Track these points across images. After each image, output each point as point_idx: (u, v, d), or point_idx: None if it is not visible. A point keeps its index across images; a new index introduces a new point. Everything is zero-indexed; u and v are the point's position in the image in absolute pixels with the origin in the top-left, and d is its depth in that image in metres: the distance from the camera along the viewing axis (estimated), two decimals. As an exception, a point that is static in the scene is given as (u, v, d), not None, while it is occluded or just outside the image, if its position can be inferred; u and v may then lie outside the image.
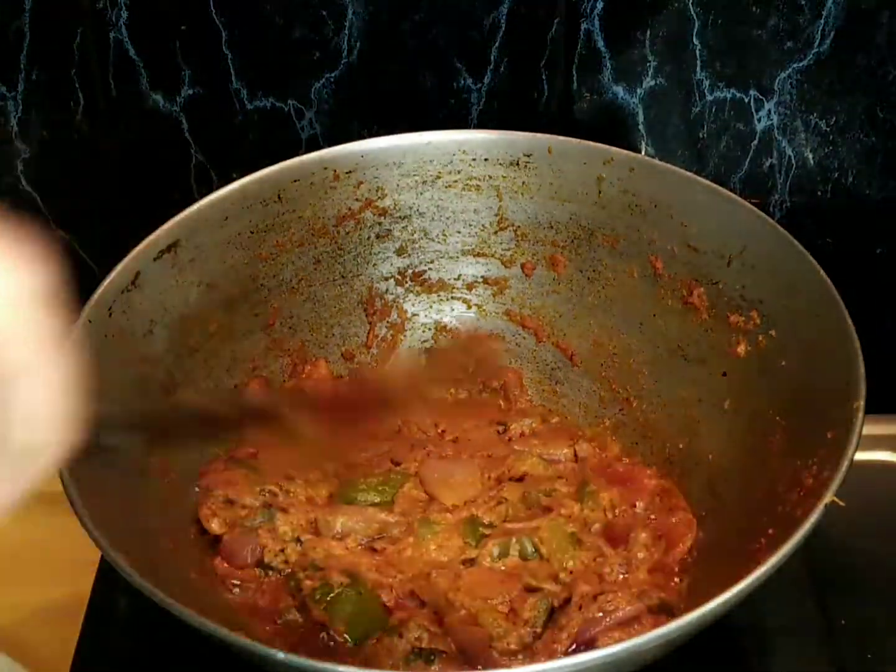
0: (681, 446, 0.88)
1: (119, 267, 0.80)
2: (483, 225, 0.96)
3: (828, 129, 0.99)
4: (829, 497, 0.65)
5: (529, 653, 0.74)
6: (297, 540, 0.81)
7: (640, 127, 1.00)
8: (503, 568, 0.80)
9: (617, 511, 0.84)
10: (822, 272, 0.78)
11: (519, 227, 0.95)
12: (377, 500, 0.85)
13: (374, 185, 0.93)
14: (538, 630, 0.75)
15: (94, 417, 0.46)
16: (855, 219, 1.04)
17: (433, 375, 0.93)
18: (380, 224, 0.95)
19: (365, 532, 0.82)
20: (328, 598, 0.76)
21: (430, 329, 0.99)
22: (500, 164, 0.93)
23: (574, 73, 0.97)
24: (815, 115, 0.98)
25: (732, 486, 0.81)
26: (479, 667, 0.73)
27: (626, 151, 0.90)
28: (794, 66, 0.95)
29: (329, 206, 0.92)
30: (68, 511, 0.64)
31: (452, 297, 0.98)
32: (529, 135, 0.92)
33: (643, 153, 1.00)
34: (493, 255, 0.96)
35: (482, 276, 0.97)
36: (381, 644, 0.74)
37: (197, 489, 0.83)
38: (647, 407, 0.91)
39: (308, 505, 0.84)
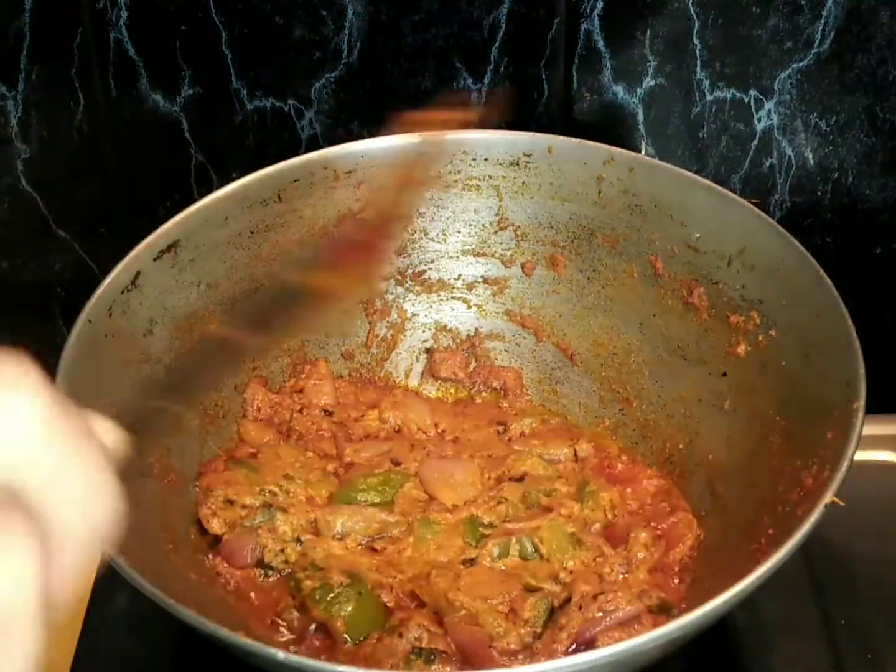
0: (681, 446, 0.88)
1: (119, 267, 0.80)
2: (483, 225, 0.95)
3: (828, 129, 0.99)
4: (829, 497, 0.65)
5: (529, 653, 0.74)
6: (297, 540, 0.81)
7: (640, 127, 1.00)
8: (503, 568, 0.80)
9: (617, 511, 0.84)
10: (821, 272, 0.78)
11: (519, 226, 0.95)
12: (377, 500, 0.85)
13: (374, 184, 0.93)
14: (538, 630, 0.75)
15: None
16: (855, 219, 1.04)
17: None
18: (380, 224, 0.95)
19: (365, 532, 0.82)
20: (328, 598, 0.76)
21: (430, 329, 0.99)
22: (500, 164, 0.93)
23: (574, 73, 0.97)
24: (815, 115, 0.98)
25: (732, 486, 0.81)
26: (479, 667, 0.73)
27: (626, 151, 0.90)
28: (794, 66, 0.95)
29: (329, 206, 0.92)
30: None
31: (452, 297, 0.98)
32: (529, 135, 0.92)
33: (643, 153, 1.00)
34: (493, 255, 0.96)
35: (482, 276, 0.97)
36: (381, 644, 0.74)
37: (197, 489, 0.83)
38: (647, 407, 0.91)
39: (308, 505, 0.83)
